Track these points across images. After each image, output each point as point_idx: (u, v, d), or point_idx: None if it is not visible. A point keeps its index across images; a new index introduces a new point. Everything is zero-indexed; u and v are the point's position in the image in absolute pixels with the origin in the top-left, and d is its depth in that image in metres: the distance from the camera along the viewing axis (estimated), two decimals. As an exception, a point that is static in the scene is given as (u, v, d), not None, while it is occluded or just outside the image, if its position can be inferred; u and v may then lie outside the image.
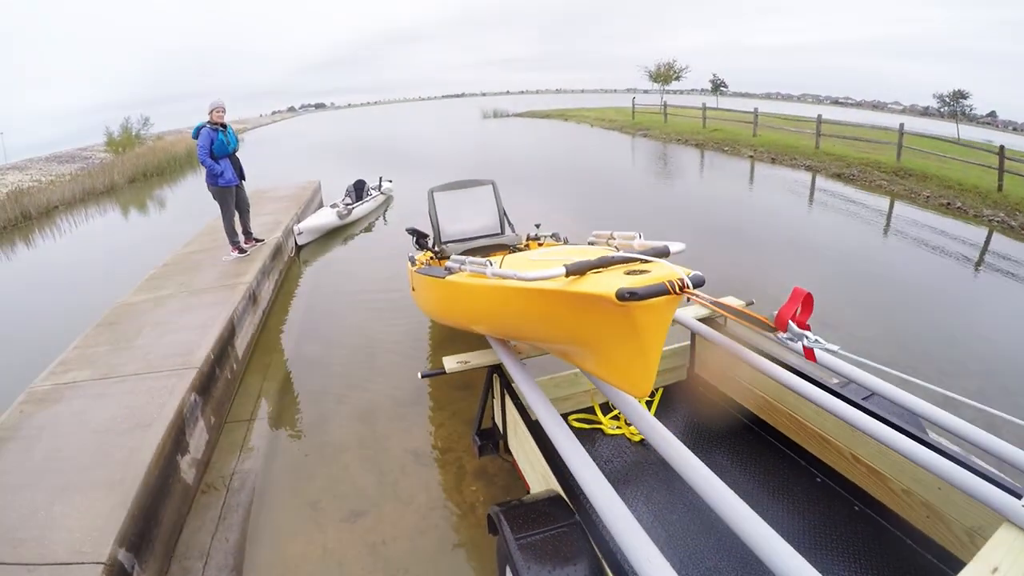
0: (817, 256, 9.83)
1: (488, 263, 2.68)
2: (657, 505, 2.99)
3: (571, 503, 2.49)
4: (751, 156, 20.54)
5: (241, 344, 5.79)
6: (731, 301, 4.29)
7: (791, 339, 1.89)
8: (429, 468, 4.16)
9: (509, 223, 5.96)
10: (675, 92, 49.86)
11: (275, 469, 4.22)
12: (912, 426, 2.79)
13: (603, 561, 2.21)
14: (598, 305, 2.00)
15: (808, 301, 1.85)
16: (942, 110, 46.97)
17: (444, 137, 33.87)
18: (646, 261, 2.26)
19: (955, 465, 2.32)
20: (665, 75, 45.98)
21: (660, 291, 1.85)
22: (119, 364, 4.78)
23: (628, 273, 2.07)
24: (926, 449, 2.45)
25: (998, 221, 12.71)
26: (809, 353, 1.97)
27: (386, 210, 13.38)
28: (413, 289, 5.09)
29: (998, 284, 9.17)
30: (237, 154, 7.68)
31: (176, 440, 3.85)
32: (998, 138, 22.97)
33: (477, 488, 3.90)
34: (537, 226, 6.02)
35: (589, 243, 3.96)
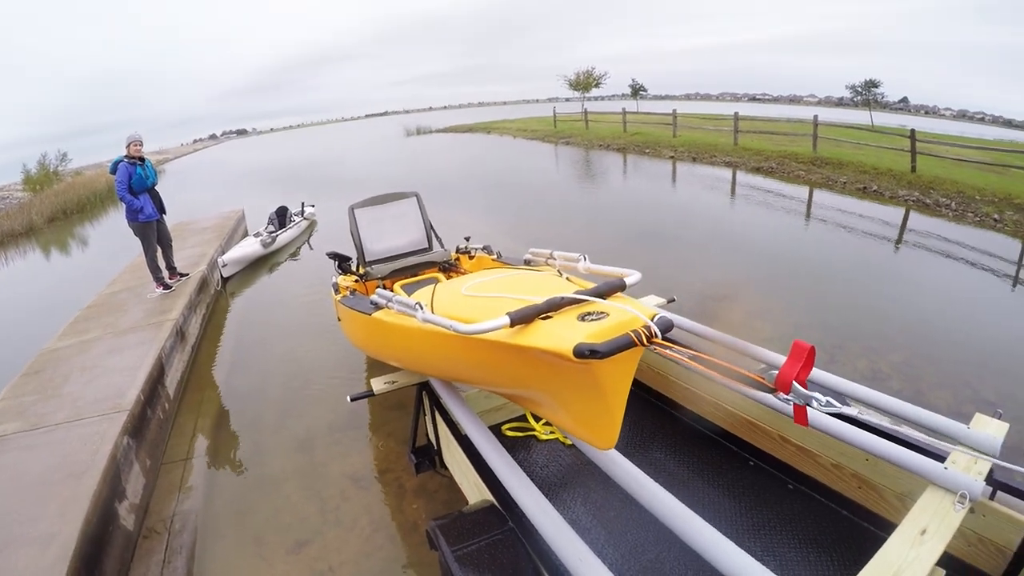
0: (740, 248, 10.14)
1: (418, 306, 2.45)
2: (595, 505, 3.04)
3: (505, 511, 2.55)
4: (672, 156, 21.07)
5: (172, 382, 5.72)
6: (652, 300, 4.44)
7: (794, 400, 1.70)
8: (369, 491, 4.20)
9: (437, 237, 5.67)
10: (596, 99, 50.74)
11: (216, 507, 4.19)
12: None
13: (539, 564, 2.26)
14: (553, 360, 1.87)
15: (811, 356, 1.66)
16: (855, 99, 48.75)
17: (367, 157, 33.64)
18: (600, 296, 2.16)
19: (879, 438, 2.45)
20: (585, 83, 46.62)
21: (624, 345, 1.71)
22: (48, 413, 4.69)
23: (582, 318, 1.96)
24: (849, 425, 2.57)
25: (913, 200, 13.38)
26: (802, 416, 1.75)
27: (310, 235, 13.29)
28: (339, 319, 4.90)
29: (918, 259, 9.66)
30: (157, 188, 7.55)
31: (112, 487, 3.81)
32: (911, 122, 23.99)
33: (418, 506, 3.97)
34: (467, 239, 5.68)
35: (526, 261, 4.00)
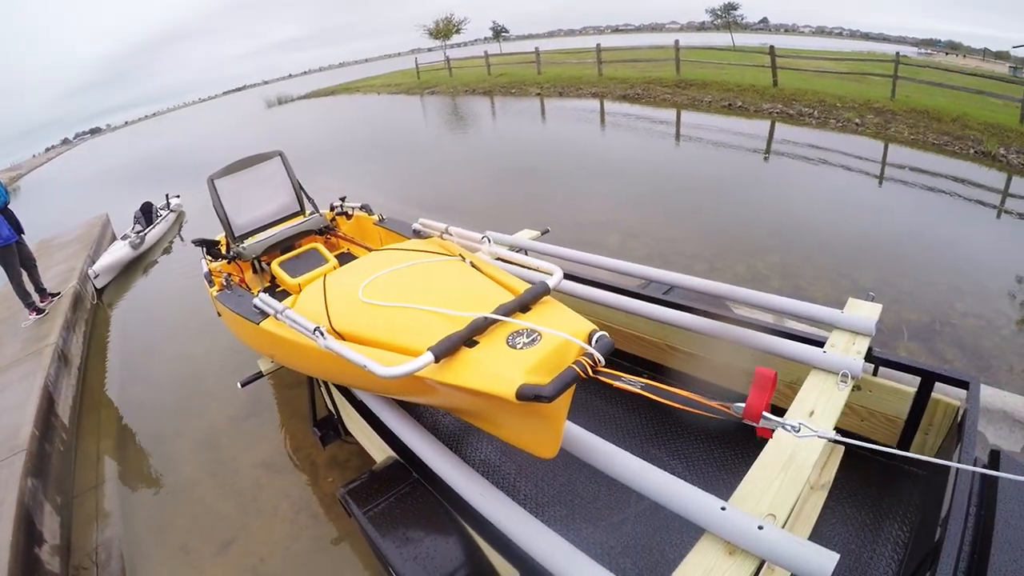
0: (613, 174, 10.48)
1: (318, 333, 2.21)
2: (500, 444, 3.07)
3: (408, 464, 2.66)
4: (539, 94, 21.34)
5: (64, 410, 5.56)
6: (526, 233, 4.51)
7: (763, 426, 1.61)
8: (283, 474, 4.28)
9: (308, 198, 5.18)
10: (458, 45, 50.14)
11: (136, 527, 4.17)
12: (716, 308, 3.03)
13: (448, 507, 2.36)
14: (488, 398, 1.71)
15: (774, 381, 1.59)
16: (716, 23, 50.21)
17: (229, 135, 32.25)
18: (525, 309, 2.05)
19: (760, 334, 2.58)
20: (444, 30, 45.83)
21: (569, 383, 1.58)
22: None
23: (512, 341, 1.85)
24: (731, 326, 2.69)
25: (777, 112, 14.07)
26: (766, 432, 1.64)
27: (180, 227, 12.86)
28: (219, 315, 4.41)
29: (786, 167, 10.22)
30: (10, 207, 7.09)
31: (28, 532, 3.74)
32: (772, 41, 24.91)
33: (333, 478, 4.08)
34: (342, 199, 5.30)
35: (415, 232, 3.84)
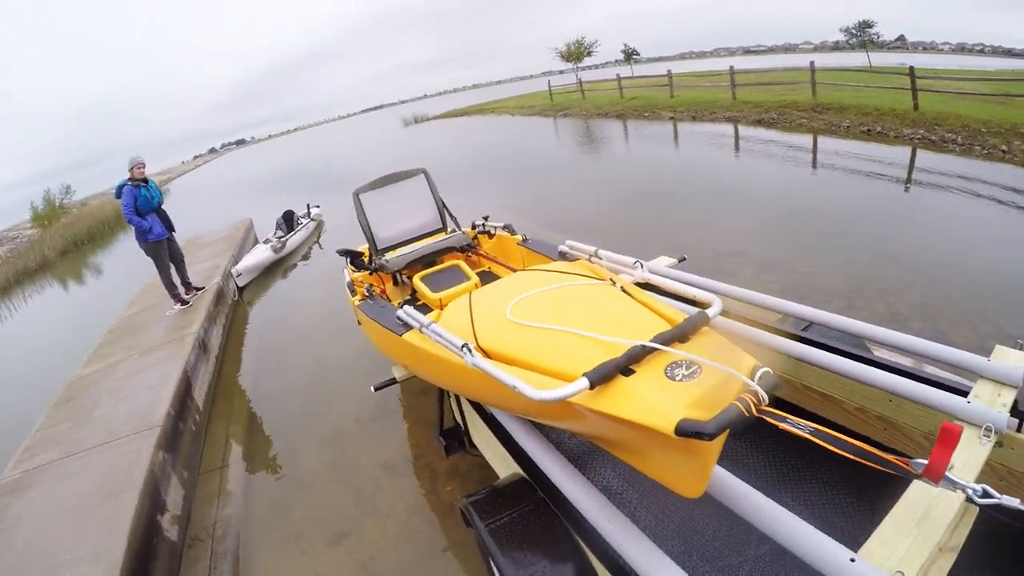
0: (748, 201, 10.09)
1: (466, 349, 2.18)
2: (624, 468, 3.00)
3: (534, 482, 2.61)
4: (672, 117, 20.94)
5: (200, 394, 5.81)
6: (663, 260, 4.41)
7: (944, 488, 1.52)
8: (403, 477, 4.26)
9: (451, 215, 5.29)
10: (589, 68, 50.11)
11: (255, 509, 4.28)
12: (855, 347, 2.88)
13: (570, 529, 2.31)
14: (644, 431, 1.62)
15: (959, 437, 1.48)
16: (851, 42, 48.12)
17: (367, 151, 33.63)
18: (683, 339, 1.93)
19: (900, 377, 2.42)
20: (576, 53, 46.11)
21: (732, 421, 1.49)
22: (83, 438, 4.78)
23: (671, 373, 1.75)
24: (870, 367, 2.54)
25: (919, 138, 13.22)
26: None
27: (319, 236, 13.36)
28: (359, 323, 4.44)
29: (928, 197, 9.56)
30: (163, 206, 7.62)
31: (153, 501, 3.90)
32: (910, 60, 23.71)
33: (452, 487, 4.02)
34: (485, 218, 5.32)
35: (561, 254, 3.73)
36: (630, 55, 57.04)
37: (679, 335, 1.92)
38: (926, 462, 1.47)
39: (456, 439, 3.87)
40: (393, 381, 3.90)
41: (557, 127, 25.57)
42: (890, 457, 1.53)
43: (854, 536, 1.70)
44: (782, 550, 1.70)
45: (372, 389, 3.82)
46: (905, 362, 2.78)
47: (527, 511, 2.49)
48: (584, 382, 1.70)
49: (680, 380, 1.69)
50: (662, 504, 2.74)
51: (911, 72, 14.89)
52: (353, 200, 4.98)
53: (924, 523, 1.72)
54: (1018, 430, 2.22)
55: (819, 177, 11.48)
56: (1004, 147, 11.78)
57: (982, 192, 9.48)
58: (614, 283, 2.72)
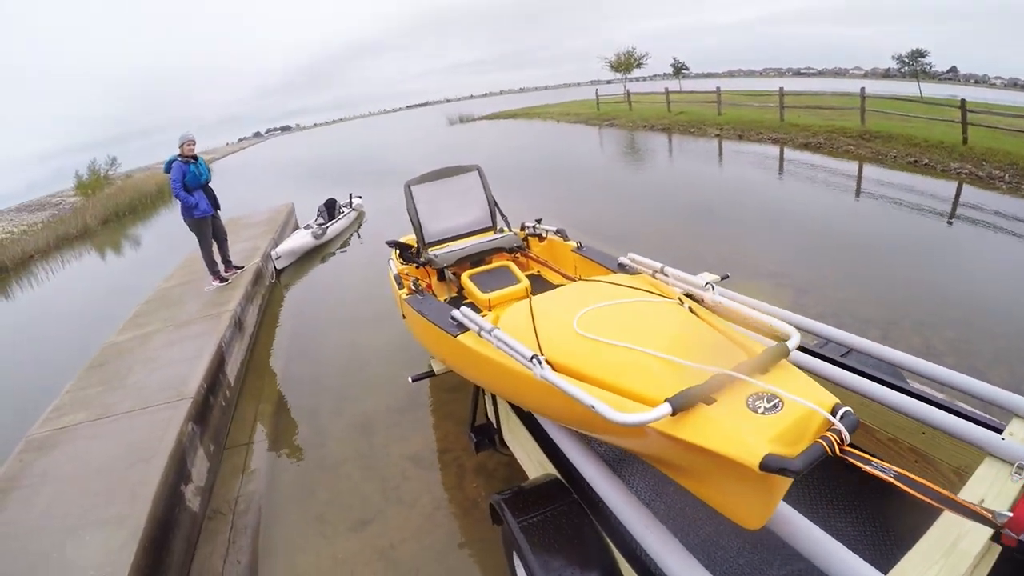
0: (791, 225, 9.98)
1: (535, 361, 2.10)
2: (653, 479, 3.00)
3: (568, 484, 2.59)
4: (718, 135, 20.76)
5: (232, 370, 5.83)
6: (705, 276, 4.34)
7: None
8: (429, 470, 4.23)
9: (502, 214, 5.24)
10: (637, 79, 49.87)
11: (278, 488, 4.27)
12: (891, 376, 2.85)
13: (603, 534, 2.30)
14: (725, 462, 1.59)
15: None
16: (903, 70, 47.50)
17: (412, 147, 33.77)
18: (763, 369, 1.87)
19: (935, 409, 2.39)
20: (626, 63, 45.79)
21: (818, 458, 1.48)
22: (114, 403, 4.82)
23: (752, 405, 1.71)
24: (906, 397, 2.52)
25: (966, 173, 12.96)
26: (1012, 541, 1.58)
27: (359, 226, 13.43)
28: (404, 317, 4.35)
29: (972, 233, 9.37)
30: (210, 184, 7.70)
31: (178, 470, 3.90)
32: (961, 92, 23.28)
33: (478, 484, 3.98)
34: (538, 221, 5.19)
35: (621, 265, 3.66)
36: (679, 69, 56.73)
37: (760, 366, 1.87)
38: (1010, 515, 1.45)
39: (487, 436, 3.83)
40: (431, 374, 3.88)
41: (602, 136, 25.46)
42: (973, 506, 1.50)
43: (876, 563, 1.69)
44: (804, 572, 1.76)
45: (409, 380, 3.79)
46: (939, 395, 2.76)
47: (560, 512, 2.48)
48: (667, 407, 1.65)
49: (762, 413, 1.66)
50: (689, 516, 2.72)
51: (962, 105, 14.65)
52: (404, 191, 4.93)
53: (951, 553, 1.72)
54: None
55: (862, 205, 11.32)
56: None
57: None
58: (682, 303, 2.65)
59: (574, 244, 4.61)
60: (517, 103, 55.37)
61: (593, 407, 1.72)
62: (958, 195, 11.76)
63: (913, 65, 45.90)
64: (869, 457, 1.58)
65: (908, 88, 37.27)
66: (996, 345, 5.46)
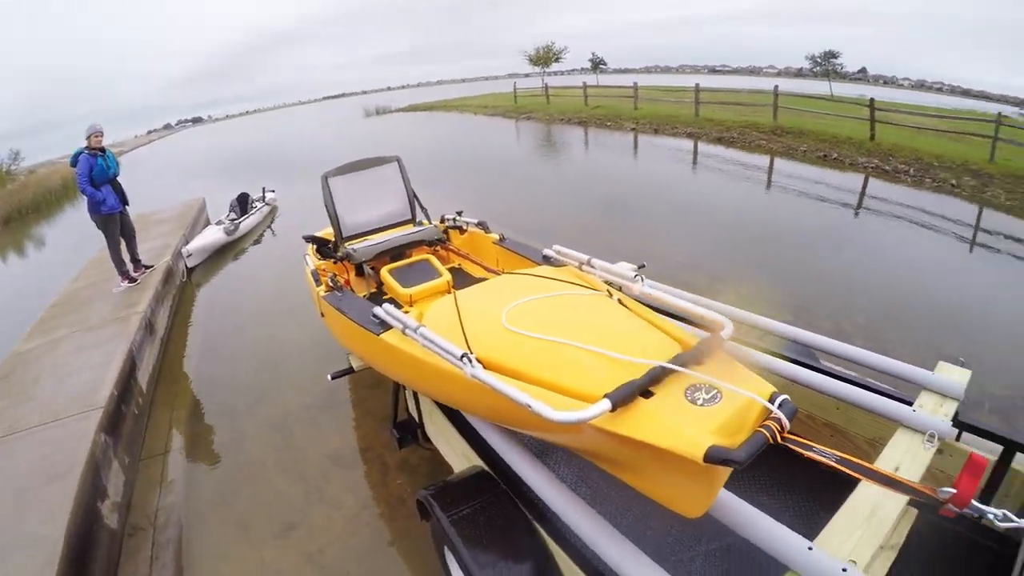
0: (704, 216, 10.34)
1: (466, 360, 2.05)
2: (579, 466, 3.04)
3: (495, 475, 2.62)
4: (634, 128, 21.22)
5: (144, 376, 5.67)
6: (623, 266, 4.41)
7: (968, 513, 1.59)
8: (352, 469, 4.23)
9: (421, 207, 5.11)
10: (556, 74, 50.40)
11: (198, 498, 4.18)
12: (805, 357, 2.98)
13: (534, 522, 2.35)
14: (667, 456, 1.58)
15: (983, 467, 1.56)
16: (815, 70, 49.65)
17: (327, 139, 33.10)
18: (699, 360, 1.88)
19: (849, 386, 2.54)
20: (544, 58, 46.21)
21: (761, 447, 1.51)
22: (22, 417, 4.61)
23: (691, 396, 1.71)
24: (821, 375, 2.65)
25: (873, 167, 13.73)
26: (949, 513, 1.63)
27: (272, 221, 13.14)
28: (322, 315, 4.19)
29: (878, 224, 9.91)
30: (119, 179, 7.39)
31: (93, 486, 3.77)
32: (870, 92, 24.41)
33: (403, 481, 4.00)
34: (459, 213, 5.15)
35: (545, 258, 3.63)
36: (597, 64, 57.66)
37: (695, 357, 1.89)
38: (953, 491, 1.52)
39: (410, 432, 3.84)
40: (350, 370, 3.86)
41: (519, 129, 25.61)
42: (916, 485, 1.59)
43: (802, 532, 1.76)
44: (731, 545, 1.83)
45: (329, 377, 3.77)
46: (851, 373, 2.90)
47: (489, 503, 2.51)
48: (606, 404, 1.64)
49: (701, 405, 1.67)
50: (615, 501, 2.78)
51: (871, 104, 15.52)
52: (321, 183, 4.73)
53: (872, 518, 1.82)
54: (957, 439, 2.39)
55: (772, 197, 11.82)
56: (954, 181, 12.34)
57: (929, 223, 9.87)
58: (610, 295, 2.66)
59: (496, 236, 4.61)
60: (435, 96, 54.86)
61: (529, 406, 1.69)
62: (864, 188, 12.38)
63: (825, 65, 48.11)
64: (810, 443, 1.63)
65: (820, 87, 38.87)
66: (902, 328, 5.83)
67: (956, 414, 2.33)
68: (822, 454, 1.61)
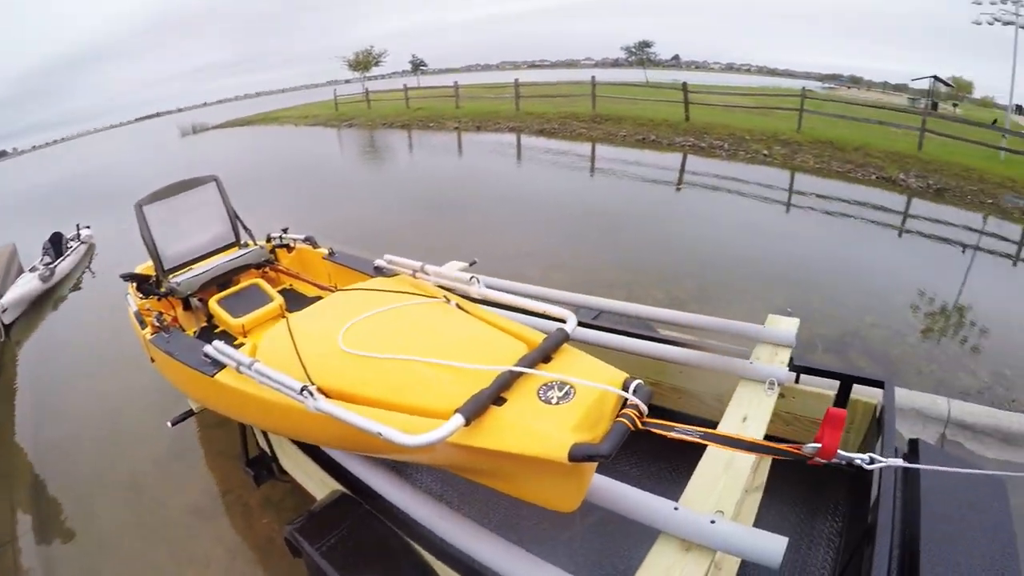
0: (534, 207, 10.70)
1: (307, 393, 1.93)
2: (440, 473, 3.08)
3: (357, 496, 2.63)
4: (457, 127, 21.52)
5: (-28, 459, 5.12)
6: (454, 265, 4.43)
7: (838, 462, 1.64)
8: (215, 519, 4.10)
9: (245, 227, 4.76)
10: (377, 78, 49.62)
11: (59, 583, 3.91)
12: (643, 329, 3.17)
13: (406, 538, 2.36)
14: (532, 461, 1.59)
15: (844, 419, 1.62)
16: (630, 60, 52.18)
17: (139, 166, 31.05)
18: (547, 358, 1.93)
19: (688, 350, 2.71)
20: (364, 62, 45.72)
21: (624, 437, 1.55)
22: None
23: (544, 396, 1.72)
24: (660, 344, 2.81)
25: (689, 145, 14.76)
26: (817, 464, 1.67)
27: (91, 260, 12.20)
28: (152, 360, 3.84)
29: (698, 196, 10.68)
30: None
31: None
32: (684, 77, 26.04)
33: (269, 519, 3.95)
34: (284, 230, 4.91)
35: (377, 269, 3.51)
36: (417, 66, 57.88)
37: (543, 355, 1.92)
38: (819, 446, 1.60)
39: (264, 467, 3.73)
40: (191, 413, 3.71)
41: (342, 137, 25.32)
42: (783, 447, 1.68)
43: (667, 495, 1.85)
44: (605, 518, 1.85)
45: (168, 424, 3.58)
46: (687, 338, 3.09)
47: (355, 526, 2.50)
48: (459, 419, 1.61)
49: (557, 403, 1.67)
50: (483, 499, 2.83)
51: (684, 87, 16.67)
52: (136, 213, 4.22)
53: (729, 468, 1.94)
54: (796, 382, 2.64)
55: (597, 182, 12.43)
56: (765, 151, 13.66)
57: (745, 191, 10.85)
58: (448, 301, 2.62)
59: (325, 251, 4.47)
60: (255, 108, 52.72)
61: (380, 434, 1.63)
62: (684, 165, 13.26)
63: (640, 54, 50.63)
64: (671, 424, 1.69)
65: (636, 75, 40.93)
66: (731, 287, 6.43)
67: (791, 360, 2.54)
68: (685, 433, 1.67)
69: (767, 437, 2.05)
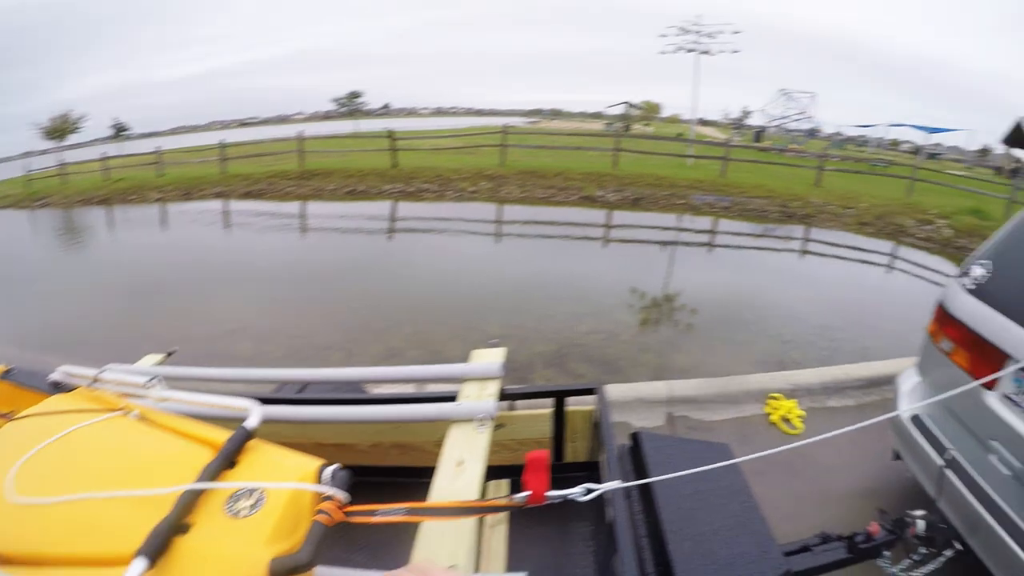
0: (242, 277, 10.12)
1: None
2: None
3: None
4: (159, 199, 19.96)
5: None
6: (151, 359, 3.76)
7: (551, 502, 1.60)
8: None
9: None
10: (76, 146, 45.40)
11: None
12: (355, 392, 3.10)
13: None
14: None
15: (547, 460, 1.63)
16: (341, 111, 52.60)
17: None
18: (231, 463, 1.66)
19: (397, 405, 2.55)
20: (61, 129, 41.35)
21: (322, 535, 1.39)
22: None
23: (232, 508, 1.48)
24: (369, 406, 2.61)
25: (398, 192, 14.94)
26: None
27: None
28: None
29: (409, 241, 10.77)
30: None
31: None
32: (394, 125, 26.52)
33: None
34: None
35: (54, 384, 2.71)
36: (120, 131, 53.73)
37: (226, 461, 1.64)
38: (528, 493, 1.57)
39: None
40: None
41: (34, 220, 22.25)
42: (495, 502, 1.65)
43: (403, 561, 1.63)
44: None
45: None
46: (403, 392, 3.02)
47: None
48: (141, 563, 1.29)
49: (246, 516, 1.43)
50: None
51: (390, 134, 16.99)
52: None
53: (454, 520, 1.79)
54: (511, 409, 2.65)
55: (307, 241, 12.26)
56: (472, 188, 14.37)
57: (453, 228, 11.09)
58: (127, 412, 2.16)
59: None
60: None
61: None
62: (394, 212, 13.32)
63: (349, 105, 51.24)
64: (373, 508, 1.54)
65: (347, 126, 41.23)
66: (447, 325, 6.51)
67: (503, 390, 2.47)
68: (387, 513, 1.55)
69: (493, 468, 2.06)
